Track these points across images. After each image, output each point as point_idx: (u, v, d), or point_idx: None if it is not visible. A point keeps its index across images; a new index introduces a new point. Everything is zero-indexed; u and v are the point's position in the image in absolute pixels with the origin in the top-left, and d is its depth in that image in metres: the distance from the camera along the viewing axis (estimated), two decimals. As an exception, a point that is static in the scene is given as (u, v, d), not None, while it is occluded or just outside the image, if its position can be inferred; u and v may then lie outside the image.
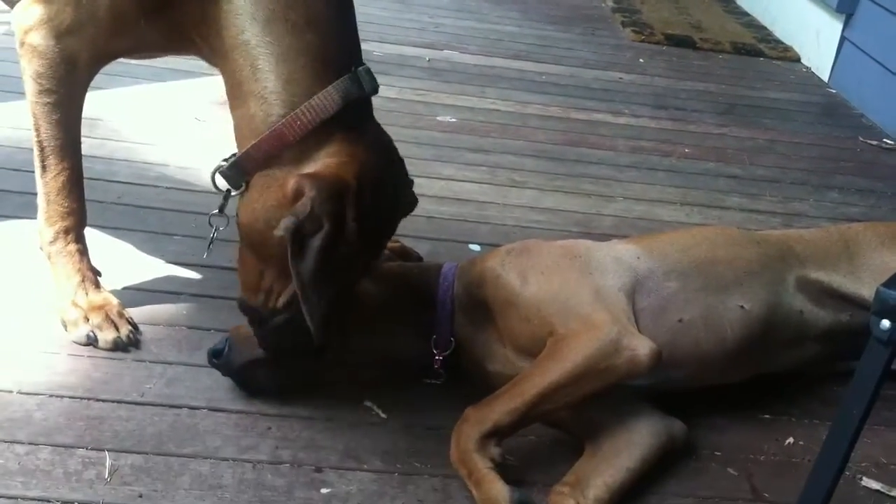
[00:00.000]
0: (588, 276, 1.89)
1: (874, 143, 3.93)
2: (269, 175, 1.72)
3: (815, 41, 4.90)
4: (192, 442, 1.76)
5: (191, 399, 1.87)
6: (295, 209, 1.64)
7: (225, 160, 1.80)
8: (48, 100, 1.88)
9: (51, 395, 1.82)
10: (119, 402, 1.84)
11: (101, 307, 2.00)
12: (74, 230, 2.00)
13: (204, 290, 2.22)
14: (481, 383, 1.92)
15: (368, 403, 1.93)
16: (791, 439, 2.00)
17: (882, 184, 3.50)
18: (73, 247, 2.00)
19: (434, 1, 5.17)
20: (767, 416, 2.07)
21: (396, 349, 1.96)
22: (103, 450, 1.71)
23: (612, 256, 1.95)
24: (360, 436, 1.84)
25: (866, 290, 2.01)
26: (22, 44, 1.86)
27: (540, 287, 1.87)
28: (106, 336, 1.97)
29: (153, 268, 2.29)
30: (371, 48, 4.18)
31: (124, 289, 2.18)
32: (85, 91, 1.94)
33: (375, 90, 1.81)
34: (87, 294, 2.00)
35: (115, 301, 2.03)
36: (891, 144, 3.93)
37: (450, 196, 2.91)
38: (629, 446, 1.78)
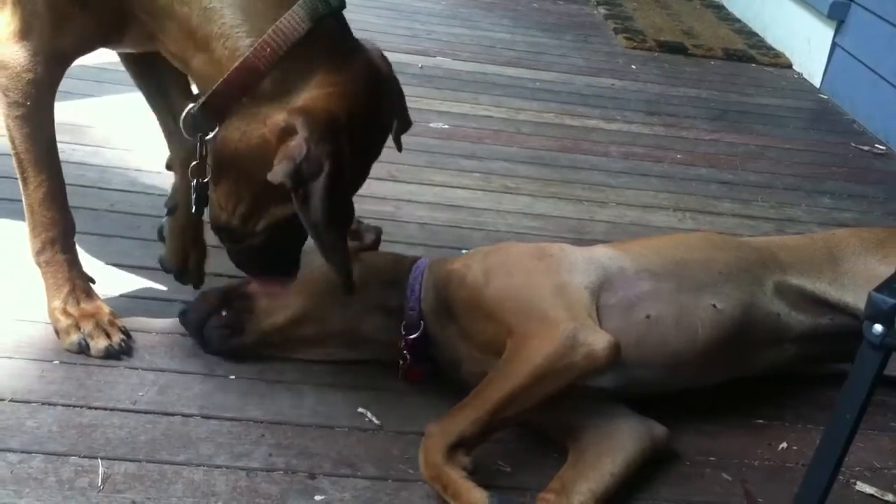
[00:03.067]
0: (554, 274, 1.90)
1: (866, 148, 3.94)
2: (249, 113, 1.67)
3: (807, 47, 4.92)
4: (185, 449, 1.76)
5: (184, 406, 1.87)
6: (290, 152, 1.58)
7: (194, 104, 1.72)
8: (17, 113, 1.85)
9: (43, 403, 1.82)
10: (112, 409, 1.83)
11: (92, 315, 1.99)
12: (61, 240, 1.98)
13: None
14: (455, 381, 1.94)
15: (362, 410, 1.93)
16: (784, 444, 2.01)
17: (874, 189, 3.51)
18: (60, 256, 1.98)
19: (426, 8, 5.18)
20: (760, 420, 2.07)
21: (367, 328, 1.99)
22: (96, 457, 1.70)
23: (585, 257, 1.97)
24: (354, 443, 1.84)
25: (850, 295, 2.03)
26: None
27: (502, 285, 1.89)
28: (98, 344, 1.96)
29: (146, 275, 2.28)
30: (364, 55, 4.19)
31: (118, 296, 2.17)
32: (52, 100, 1.90)
33: (343, 4, 1.72)
34: (78, 303, 1.99)
35: (106, 309, 2.02)
36: (882, 150, 3.94)
37: (443, 203, 2.91)
38: (612, 451, 1.79)
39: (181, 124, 1.77)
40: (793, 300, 2.04)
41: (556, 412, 1.86)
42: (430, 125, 3.53)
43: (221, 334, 1.98)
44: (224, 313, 1.99)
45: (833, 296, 2.05)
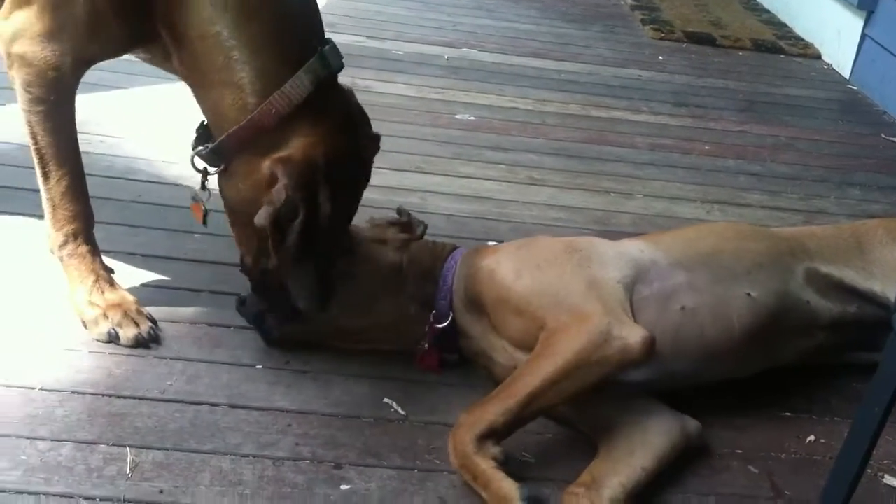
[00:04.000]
0: (586, 269, 1.89)
1: (896, 139, 3.91)
2: (248, 160, 1.80)
3: (836, 38, 4.87)
4: (212, 438, 1.77)
5: (211, 396, 1.88)
6: (271, 198, 1.73)
7: (203, 146, 1.86)
8: (40, 108, 1.88)
9: (73, 392, 1.84)
10: (140, 398, 1.85)
11: (118, 305, 2.01)
12: (83, 232, 2.01)
13: (223, 287, 2.22)
14: (485, 372, 1.96)
15: (387, 400, 1.93)
16: (812, 437, 1.99)
17: (904, 181, 3.48)
18: (83, 248, 2.01)
19: (452, 1, 5.17)
20: (788, 413, 2.06)
21: (405, 318, 2.01)
22: (125, 446, 1.72)
23: (616, 251, 1.97)
24: (380, 433, 1.85)
25: (878, 284, 2.04)
26: (8, 55, 1.86)
27: (533, 280, 1.89)
28: (127, 333, 1.98)
29: (173, 265, 2.30)
30: (389, 47, 4.19)
31: (143, 286, 2.19)
32: (74, 95, 1.93)
33: (341, 67, 1.86)
34: (102, 293, 2.01)
35: (131, 298, 2.05)
36: (913, 141, 3.90)
37: (469, 194, 2.91)
38: (644, 446, 1.78)
39: (191, 160, 1.90)
40: (821, 288, 2.03)
41: (587, 406, 1.86)
42: (456, 117, 3.52)
43: (279, 324, 2.01)
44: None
45: (861, 284, 2.04)
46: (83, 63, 1.90)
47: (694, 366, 1.92)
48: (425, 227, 2.18)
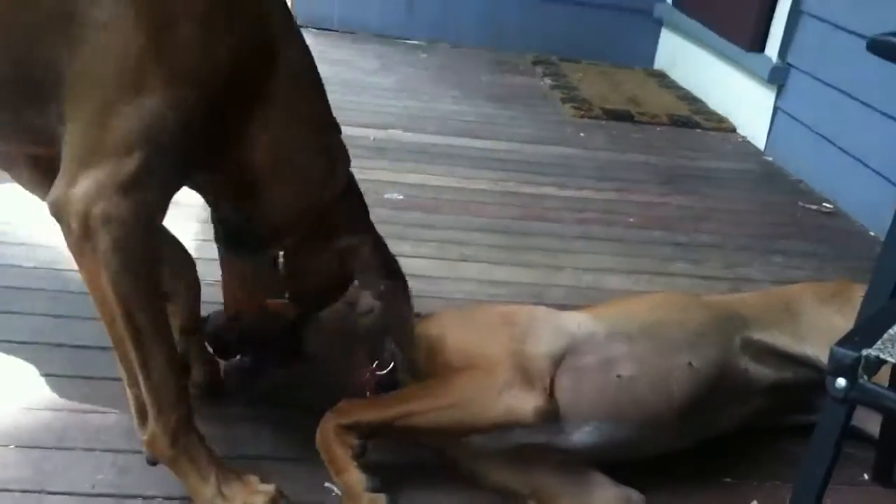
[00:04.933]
0: (517, 342, 1.90)
1: (814, 207, 4.02)
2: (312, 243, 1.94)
3: (749, 112, 5.04)
4: (147, 533, 1.71)
5: (144, 488, 1.82)
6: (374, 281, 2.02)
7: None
8: (137, 267, 1.59)
9: (1, 490, 1.76)
10: (70, 493, 1.78)
11: (250, 487, 1.75)
12: (188, 415, 1.73)
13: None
14: None
15: (328, 485, 1.89)
16: (755, 502, 2.00)
17: (824, 247, 3.57)
18: (195, 437, 1.74)
19: (376, 83, 5.23)
20: (729, 479, 2.07)
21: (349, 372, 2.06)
22: (54, 545, 1.65)
23: (553, 324, 1.98)
24: (321, 518, 1.81)
25: (809, 348, 2.08)
26: (85, 222, 1.54)
27: (462, 340, 1.93)
28: None
29: (101, 356, 2.23)
30: (316, 129, 4.21)
31: (69, 377, 2.13)
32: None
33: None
34: (228, 482, 1.74)
35: (253, 476, 1.79)
36: (829, 208, 4.02)
37: (401, 272, 2.90)
38: None
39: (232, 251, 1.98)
40: (757, 354, 2.06)
41: (531, 477, 1.85)
42: (385, 196, 3.54)
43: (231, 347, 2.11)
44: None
45: (794, 349, 2.08)
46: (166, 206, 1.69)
47: (634, 434, 1.92)
48: None
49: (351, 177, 2.00)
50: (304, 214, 1.88)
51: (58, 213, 1.57)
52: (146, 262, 1.63)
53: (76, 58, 1.52)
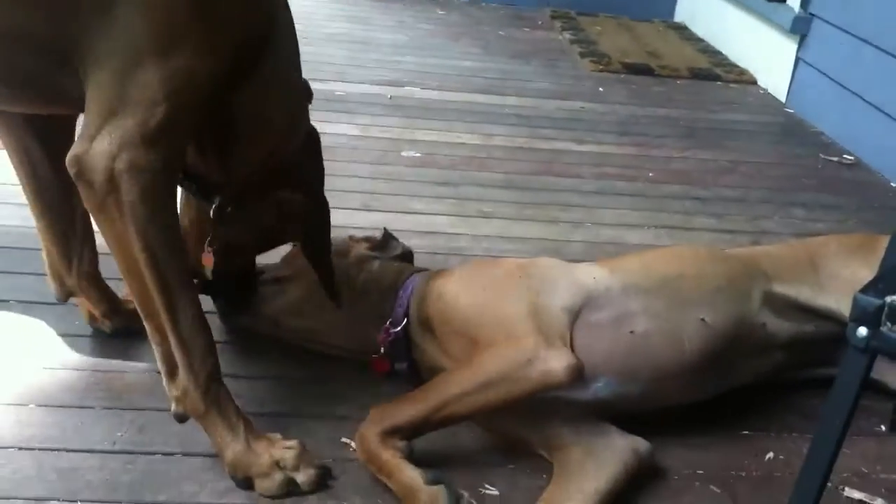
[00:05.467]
0: (532, 295, 1.90)
1: (835, 159, 3.98)
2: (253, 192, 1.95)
3: (771, 63, 4.98)
4: (167, 488, 1.73)
5: (163, 445, 1.84)
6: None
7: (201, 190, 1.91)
8: (163, 218, 1.62)
9: (20, 448, 1.78)
10: (91, 451, 1.80)
11: (278, 443, 1.77)
12: (216, 367, 1.74)
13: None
14: None
15: (346, 440, 1.90)
16: (771, 454, 2.00)
17: (845, 199, 3.54)
18: (223, 389, 1.74)
19: (394, 40, 5.20)
20: (746, 431, 2.06)
21: (361, 331, 2.07)
22: (77, 501, 1.67)
23: (567, 277, 1.97)
24: (339, 473, 1.81)
25: (833, 301, 2.05)
26: (110, 174, 1.55)
27: (475, 301, 1.92)
28: (308, 475, 1.75)
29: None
30: (332, 88, 4.20)
31: (89, 337, 2.14)
32: None
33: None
34: (257, 438, 1.76)
35: (277, 435, 1.81)
36: (850, 160, 3.98)
37: (419, 230, 2.90)
38: (596, 468, 1.77)
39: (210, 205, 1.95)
40: (778, 309, 2.04)
41: (540, 428, 1.86)
42: (403, 154, 3.53)
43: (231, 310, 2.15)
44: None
45: (816, 302, 2.06)
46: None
47: (646, 388, 1.92)
48: (406, 249, 2.28)
49: (315, 143, 2.02)
50: (258, 169, 1.90)
51: (80, 169, 1.57)
52: (172, 213, 1.66)
53: (108, 13, 1.54)
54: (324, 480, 1.77)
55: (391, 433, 1.75)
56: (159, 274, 1.62)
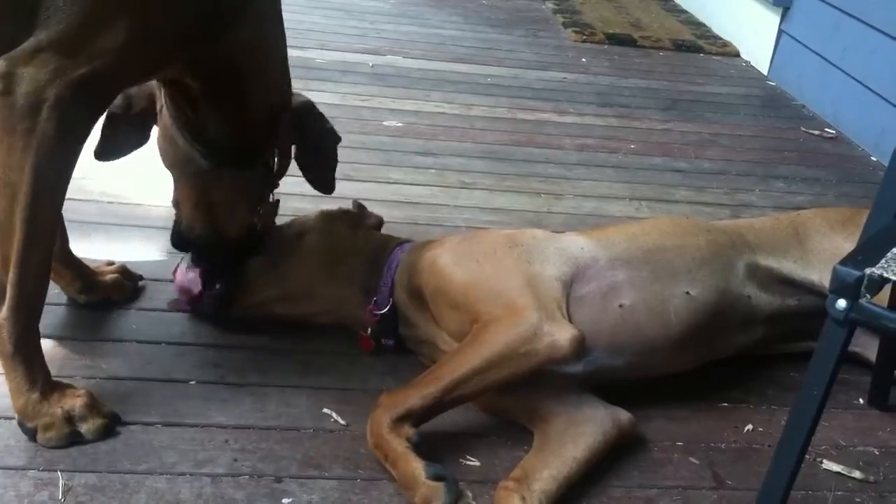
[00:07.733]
0: (525, 264, 1.90)
1: (816, 132, 3.99)
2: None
3: (753, 35, 4.97)
4: (146, 458, 1.72)
5: (143, 415, 1.83)
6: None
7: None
8: (63, 163, 1.64)
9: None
10: (70, 420, 1.79)
11: (74, 397, 1.76)
12: (38, 319, 1.73)
13: (153, 303, 2.18)
14: (429, 363, 1.96)
15: (327, 410, 1.90)
16: (750, 426, 2.01)
17: (826, 172, 3.55)
18: (37, 342, 1.74)
19: (375, 7, 5.16)
20: (725, 404, 2.08)
21: (348, 305, 2.07)
22: (56, 470, 1.66)
23: (556, 247, 1.97)
24: (320, 443, 1.81)
25: (815, 274, 2.06)
26: (34, 101, 1.55)
27: (471, 274, 1.91)
28: (94, 425, 1.75)
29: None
30: (313, 55, 4.16)
31: (68, 305, 2.13)
32: None
33: None
34: (52, 388, 1.75)
35: (79, 388, 1.80)
36: (832, 133, 3.99)
37: (400, 200, 2.89)
38: (575, 437, 1.78)
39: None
40: (762, 281, 2.05)
41: (523, 398, 1.86)
42: (384, 123, 3.51)
43: (216, 305, 2.08)
44: (217, 286, 2.07)
45: (800, 275, 2.07)
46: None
47: (632, 360, 1.92)
48: (379, 219, 2.29)
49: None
50: (262, 122, 1.97)
51: (6, 85, 1.55)
52: (71, 163, 1.66)
53: None
54: (110, 430, 1.76)
55: (402, 419, 1.72)
56: (34, 210, 1.61)
